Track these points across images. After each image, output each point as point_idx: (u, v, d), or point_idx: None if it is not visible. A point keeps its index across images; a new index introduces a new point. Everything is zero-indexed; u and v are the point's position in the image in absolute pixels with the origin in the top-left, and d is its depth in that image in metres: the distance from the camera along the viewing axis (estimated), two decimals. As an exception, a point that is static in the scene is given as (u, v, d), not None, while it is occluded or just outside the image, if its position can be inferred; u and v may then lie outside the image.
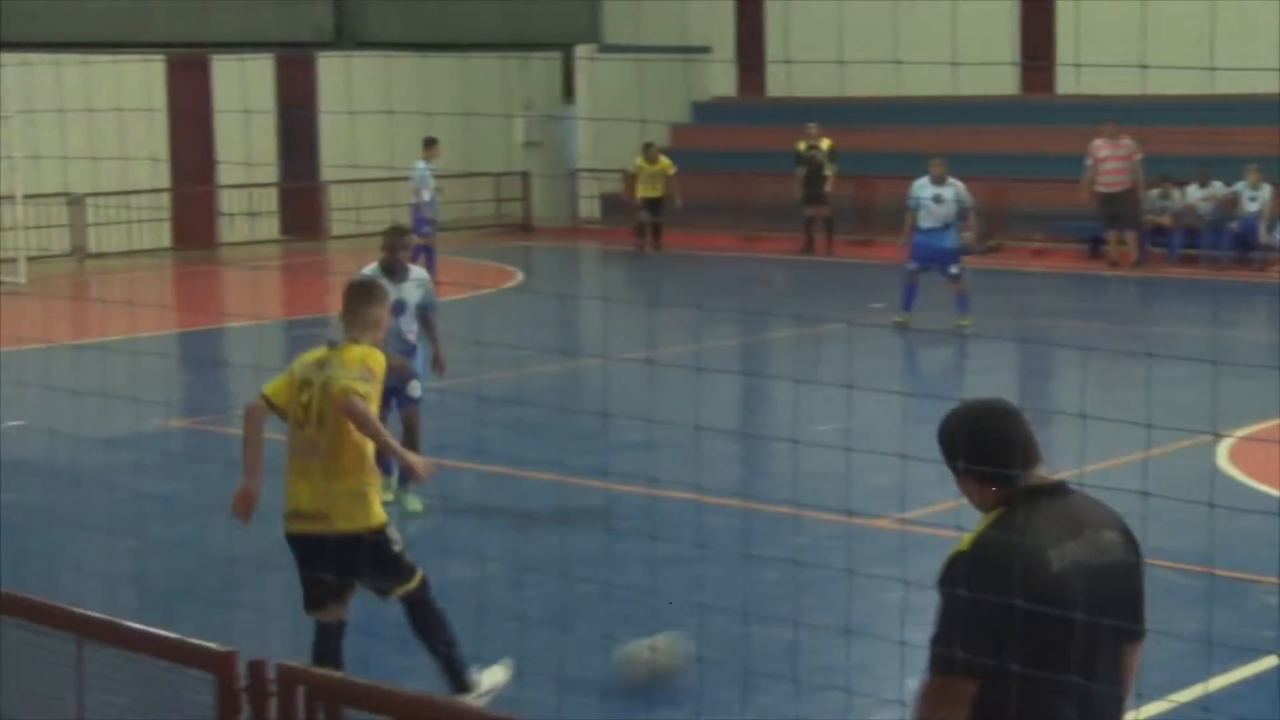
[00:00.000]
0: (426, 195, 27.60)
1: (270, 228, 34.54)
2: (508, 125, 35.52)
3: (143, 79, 29.95)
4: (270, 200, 34.65)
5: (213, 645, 5.81)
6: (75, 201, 31.23)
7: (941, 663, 5.09)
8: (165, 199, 33.24)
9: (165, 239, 33.14)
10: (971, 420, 5.35)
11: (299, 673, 5.63)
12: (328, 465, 8.55)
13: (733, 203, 33.41)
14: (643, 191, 32.98)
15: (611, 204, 36.75)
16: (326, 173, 34.28)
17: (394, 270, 12.51)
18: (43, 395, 18.26)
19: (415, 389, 12.55)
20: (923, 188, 22.16)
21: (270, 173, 34.15)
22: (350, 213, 33.86)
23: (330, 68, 34.26)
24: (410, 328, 12.55)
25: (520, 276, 29.02)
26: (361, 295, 9.09)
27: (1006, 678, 4.98)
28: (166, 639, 6.00)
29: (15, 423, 16.87)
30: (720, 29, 38.23)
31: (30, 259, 29.18)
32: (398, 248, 12.70)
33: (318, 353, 8.88)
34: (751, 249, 32.31)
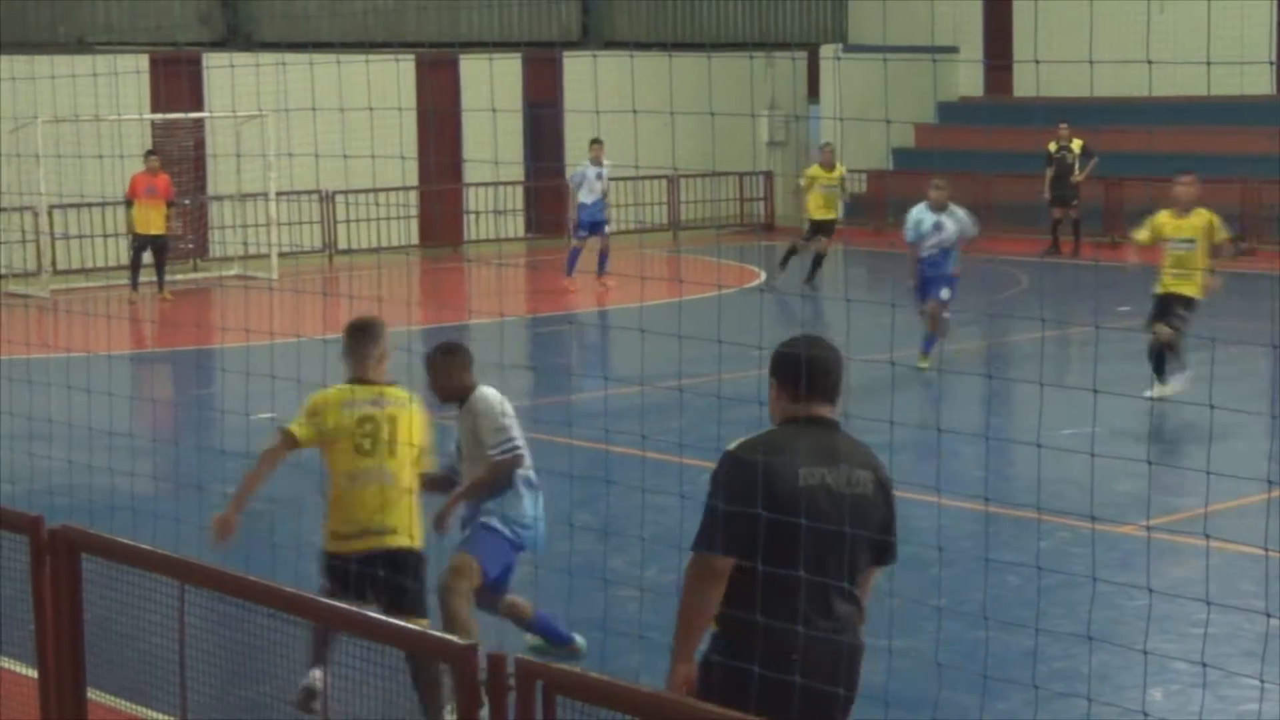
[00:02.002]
0: (586, 197, 27.49)
1: (515, 225, 34.88)
2: (752, 125, 35.51)
3: (393, 78, 30.40)
4: (516, 198, 34.99)
5: (454, 639, 5.88)
6: (326, 198, 31.81)
7: (699, 541, 6.06)
8: (413, 196, 33.72)
9: (412, 236, 33.62)
10: (790, 344, 6.38)
11: (537, 668, 5.67)
12: (390, 490, 8.97)
13: (977, 203, 33.04)
14: (817, 212, 27.75)
15: (854, 204, 36.59)
16: (572, 171, 34.51)
17: None
18: (292, 389, 18.61)
19: None
20: (921, 216, 20.17)
21: (516, 171, 34.48)
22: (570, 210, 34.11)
23: (577, 66, 34.50)
24: None
25: (762, 276, 28.98)
26: (366, 334, 9.49)
27: (748, 562, 5.94)
28: (410, 631, 6.09)
29: (265, 415, 17.21)
30: (968, 28, 37.89)
31: (282, 255, 29.77)
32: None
33: (357, 390, 9.30)
34: (994, 250, 31.95)
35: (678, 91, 26.28)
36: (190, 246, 30.26)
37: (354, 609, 6.44)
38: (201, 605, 6.79)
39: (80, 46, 28.40)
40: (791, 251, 27.59)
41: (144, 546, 7.13)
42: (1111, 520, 11.75)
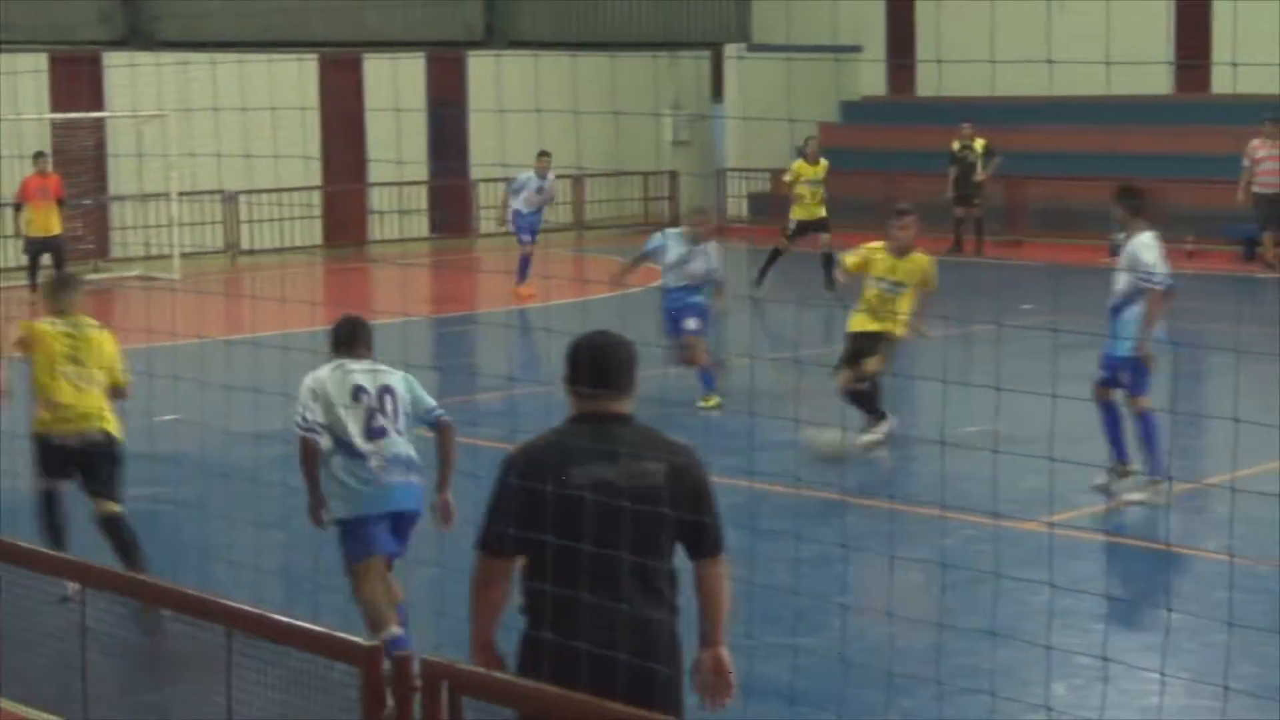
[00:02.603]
0: (523, 206, 27.28)
1: (420, 225, 34.78)
2: (656, 124, 35.52)
3: (297, 78, 30.25)
4: (420, 198, 34.89)
5: (358, 639, 5.86)
6: (229, 199, 31.61)
7: (478, 540, 6.31)
8: (317, 196, 33.57)
9: (317, 236, 33.47)
10: (579, 341, 6.40)
11: (442, 667, 5.66)
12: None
13: (881, 203, 33.20)
14: (801, 212, 27.23)
15: (759, 203, 36.70)
16: (476, 171, 34.45)
17: None
18: (195, 390, 18.49)
19: None
20: (666, 243, 18.12)
21: (420, 170, 34.39)
22: (499, 211, 34.06)
23: (481, 66, 34.44)
24: None
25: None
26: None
27: (522, 559, 6.24)
28: (313, 632, 6.06)
29: (169, 417, 17.09)
30: (870, 27, 38.07)
31: (184, 255, 29.56)
32: None
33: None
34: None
35: (582, 91, 26.34)
36: (91, 247, 29.99)
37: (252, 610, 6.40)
38: (102, 608, 6.74)
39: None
40: (774, 256, 26.86)
41: (39, 549, 7.08)
42: (1015, 517, 11.82)
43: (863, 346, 15.51)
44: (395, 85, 32.62)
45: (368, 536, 9.52)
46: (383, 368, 10.06)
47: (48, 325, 11.43)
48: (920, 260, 15.85)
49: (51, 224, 26.82)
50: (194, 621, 6.43)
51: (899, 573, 10.54)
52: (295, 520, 10.26)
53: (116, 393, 11.65)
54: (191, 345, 20.04)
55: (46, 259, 26.67)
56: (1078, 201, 31.14)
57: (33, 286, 26.36)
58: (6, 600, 7.23)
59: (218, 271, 30.81)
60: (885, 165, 34.06)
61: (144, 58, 28.74)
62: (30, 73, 27.93)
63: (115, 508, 11.26)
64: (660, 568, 6.27)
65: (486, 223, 34.27)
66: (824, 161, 27.64)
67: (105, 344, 11.60)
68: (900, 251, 15.84)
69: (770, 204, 35.96)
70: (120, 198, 31.16)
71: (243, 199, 31.52)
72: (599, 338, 6.44)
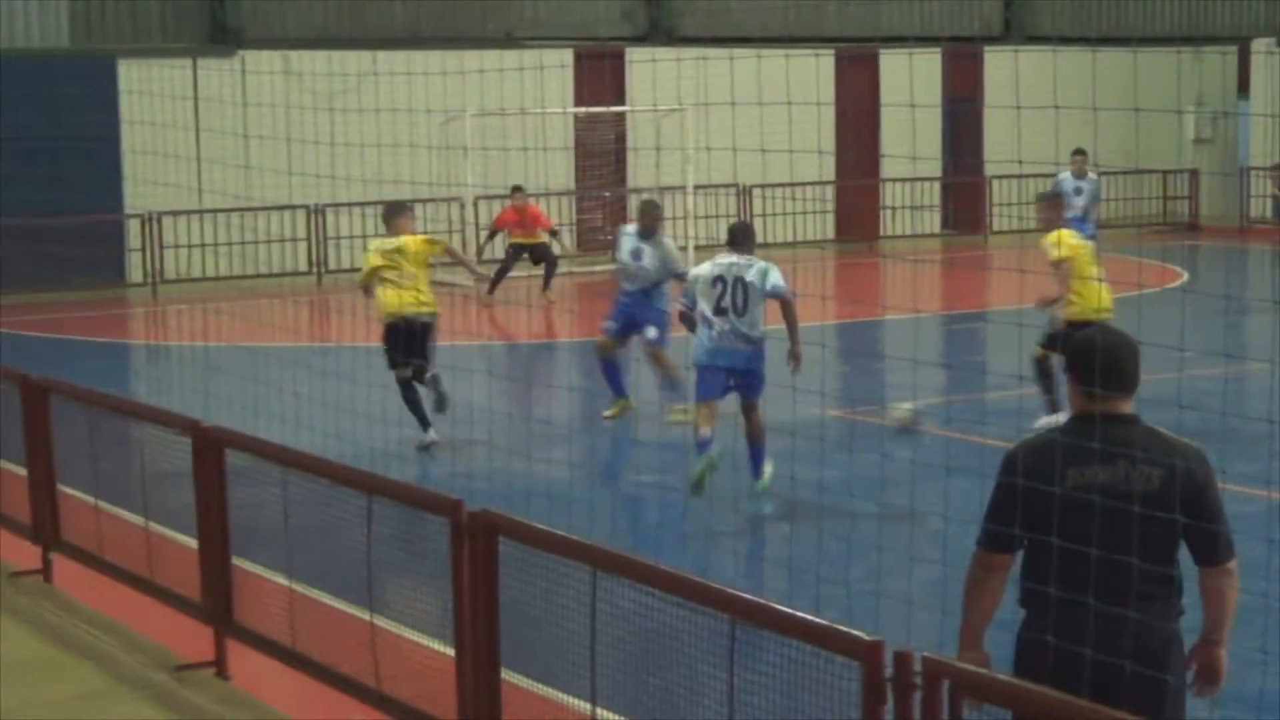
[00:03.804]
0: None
1: (932, 222, 34.68)
2: (1178, 121, 34.68)
3: (813, 73, 30.46)
4: (933, 194, 34.79)
5: (860, 634, 5.87)
6: (743, 193, 32.05)
7: (978, 537, 6.35)
8: (830, 191, 33.77)
9: (829, 230, 33.68)
10: (1086, 339, 6.30)
11: (944, 666, 5.63)
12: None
13: None
14: None
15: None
16: (991, 168, 34.17)
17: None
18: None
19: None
20: (624, 240, 17.10)
21: (934, 167, 34.28)
22: (1013, 208, 33.71)
23: (997, 62, 34.14)
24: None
25: (1185, 276, 28.30)
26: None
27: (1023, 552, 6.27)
28: (815, 624, 6.10)
29: (679, 408, 17.40)
30: None
31: (698, 248, 30.09)
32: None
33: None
34: None
35: (1101, 87, 25.87)
36: (609, 238, 30.77)
37: (759, 600, 6.47)
38: (612, 592, 6.90)
39: (508, 41, 29.15)
40: None
41: (559, 533, 7.28)
42: None
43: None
44: (911, 81, 32.59)
45: (703, 381, 13.49)
46: (744, 262, 13.49)
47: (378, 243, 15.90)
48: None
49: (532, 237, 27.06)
50: (698, 609, 6.54)
51: None
52: (799, 513, 10.34)
53: (450, 255, 16.88)
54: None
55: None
56: None
57: (546, 285, 26.94)
58: (519, 580, 7.47)
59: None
60: None
61: (664, 53, 29.34)
62: (556, 68, 28.82)
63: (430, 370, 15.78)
64: (1160, 572, 6.12)
65: (1000, 220, 34.01)
66: None
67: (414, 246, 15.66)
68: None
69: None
70: (638, 190, 31.89)
71: (757, 193, 31.91)
72: (1109, 336, 6.33)
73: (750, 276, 13.31)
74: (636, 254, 16.85)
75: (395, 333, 15.67)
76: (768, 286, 13.31)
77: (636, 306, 16.87)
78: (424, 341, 15.76)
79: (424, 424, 15.68)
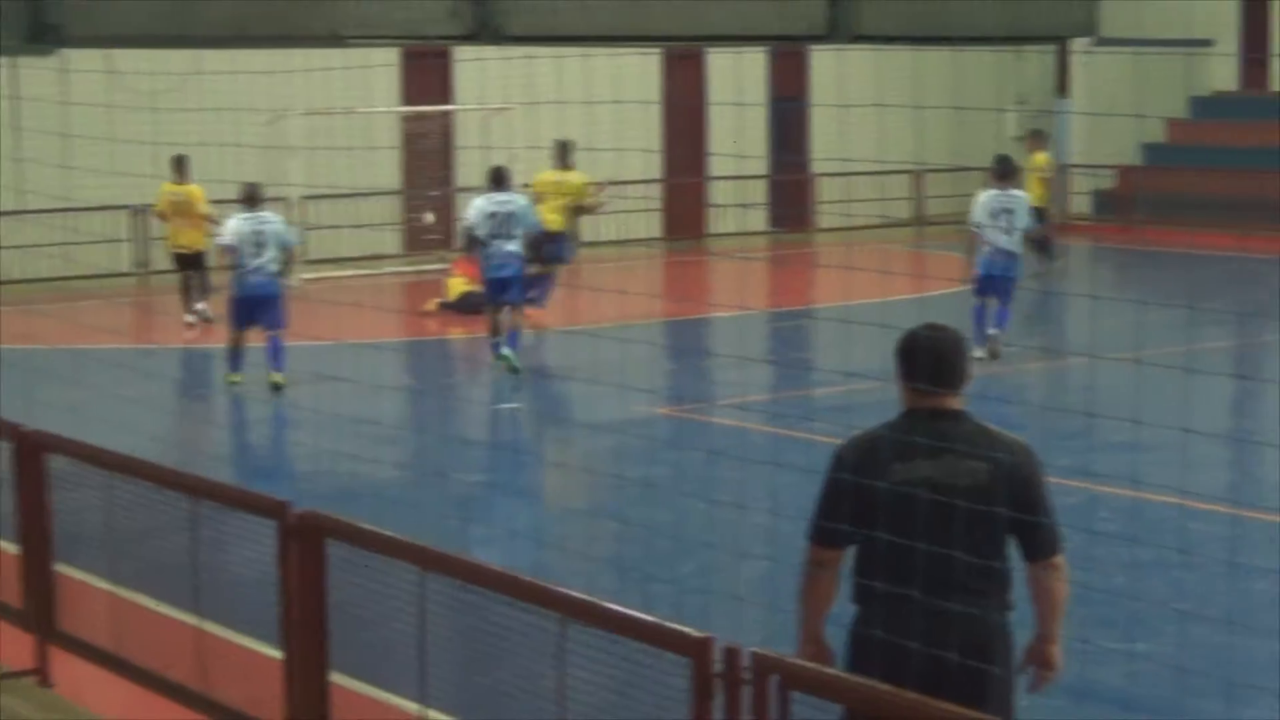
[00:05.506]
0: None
1: (759, 220, 34.87)
2: (999, 120, 35.09)
3: (640, 72, 30.55)
4: (760, 192, 34.98)
5: (689, 630, 5.89)
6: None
7: (808, 531, 6.38)
8: (657, 190, 33.85)
9: (656, 229, 33.75)
10: (913, 335, 6.31)
11: (772, 661, 5.66)
12: None
13: (1232, 200, 32.46)
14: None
15: (1104, 200, 36.08)
16: (817, 166, 34.41)
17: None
18: (534, 380, 18.81)
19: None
20: (481, 205, 19.00)
21: (760, 165, 34.47)
22: (839, 206, 33.98)
23: (823, 61, 34.41)
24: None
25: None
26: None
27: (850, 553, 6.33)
28: (645, 622, 6.11)
29: (509, 405, 17.40)
30: (1223, 21, 37.13)
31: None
32: None
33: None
34: (1247, 247, 31.30)
35: (924, 87, 26.14)
36: (438, 237, 30.64)
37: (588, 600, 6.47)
38: (441, 592, 6.88)
39: (334, 40, 28.92)
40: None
41: (386, 533, 7.24)
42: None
43: None
44: (737, 80, 32.75)
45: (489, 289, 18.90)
46: (509, 199, 18.91)
47: None
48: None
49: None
50: (527, 607, 6.53)
51: (1241, 580, 10.31)
52: (629, 510, 10.37)
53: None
54: (529, 336, 20.40)
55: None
56: None
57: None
58: (347, 582, 7.42)
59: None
60: (1237, 162, 33.21)
61: (491, 52, 29.23)
62: (383, 67, 28.67)
63: None
64: (988, 566, 6.17)
65: (826, 218, 34.27)
66: (1041, 156, 27.74)
67: None
68: None
69: (1116, 201, 35.36)
70: (466, 190, 31.78)
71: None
72: (934, 332, 6.35)
73: (516, 210, 18.77)
74: (494, 215, 18.99)
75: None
76: (530, 219, 18.96)
77: (500, 268, 18.99)
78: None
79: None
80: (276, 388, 17.21)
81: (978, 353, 19.04)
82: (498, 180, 19.08)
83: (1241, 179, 32.45)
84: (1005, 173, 19.32)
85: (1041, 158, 27.66)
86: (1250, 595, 10.49)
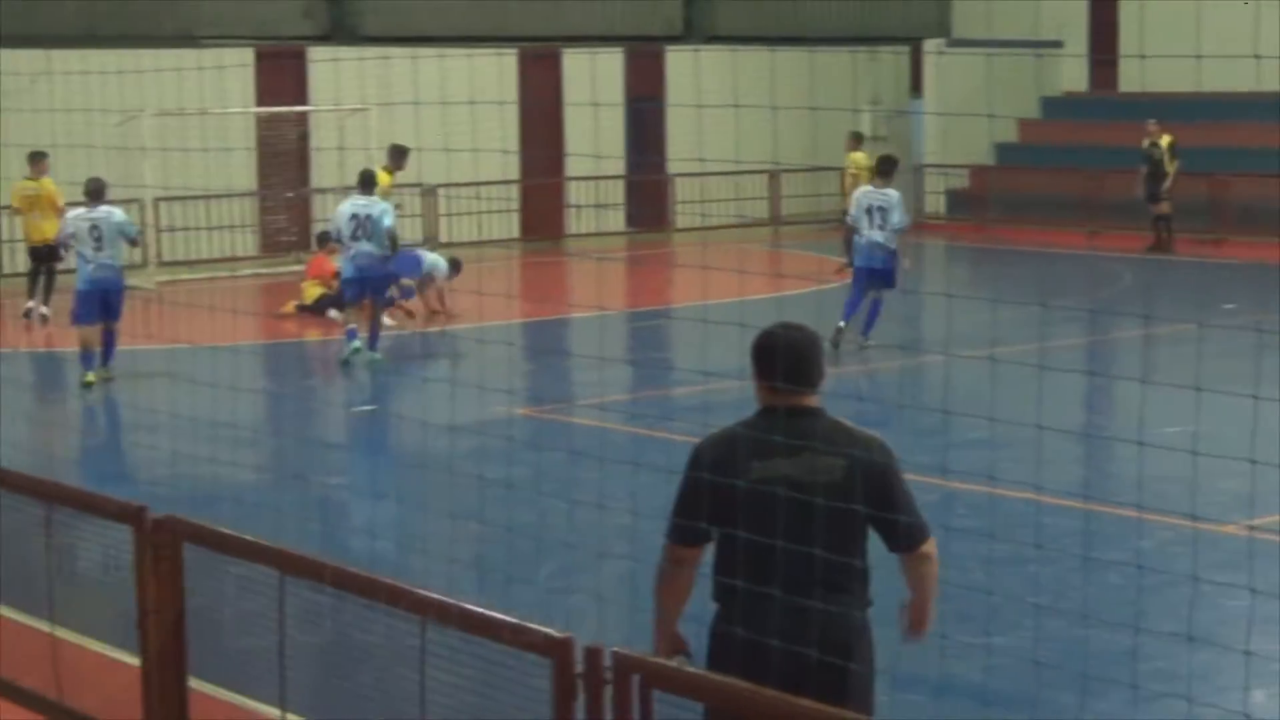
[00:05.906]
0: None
1: (617, 220, 34.92)
2: (854, 120, 35.34)
3: (496, 73, 30.49)
4: (617, 193, 35.02)
5: (550, 630, 5.90)
6: (428, 192, 31.93)
7: (666, 530, 6.38)
8: (515, 190, 33.81)
9: (514, 230, 33.71)
10: (768, 334, 6.33)
11: (634, 660, 5.68)
12: None
13: (1082, 199, 32.91)
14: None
15: (957, 199, 36.45)
16: (673, 166, 34.50)
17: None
18: (392, 381, 18.74)
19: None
20: (344, 208, 19.92)
21: (618, 165, 34.51)
22: (696, 206, 34.10)
23: (679, 62, 34.50)
24: None
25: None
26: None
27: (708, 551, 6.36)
28: (505, 622, 6.11)
29: (365, 407, 17.33)
30: (1073, 23, 37.62)
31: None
32: None
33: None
34: (1097, 246, 31.74)
35: (780, 87, 26.27)
36: (293, 239, 30.44)
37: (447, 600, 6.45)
38: (301, 595, 6.84)
39: (187, 40, 28.70)
40: None
41: (245, 537, 7.19)
42: (1214, 520, 11.64)
43: None
44: (594, 80, 32.77)
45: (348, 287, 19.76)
46: (369, 202, 19.40)
47: None
48: None
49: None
50: (388, 610, 6.51)
51: (1094, 574, 10.45)
52: (490, 511, 10.35)
53: None
54: (387, 338, 20.31)
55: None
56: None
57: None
58: (205, 586, 7.37)
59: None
60: (1087, 162, 33.65)
61: (347, 52, 29.13)
62: (237, 67, 28.43)
63: None
64: (846, 563, 6.21)
65: (684, 218, 34.36)
66: (858, 155, 28.43)
67: None
68: None
69: (969, 200, 35.72)
70: (322, 190, 31.60)
71: (441, 192, 31.83)
72: (792, 331, 6.37)
73: (374, 213, 19.24)
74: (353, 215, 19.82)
75: None
76: (386, 222, 19.28)
77: (374, 270, 19.84)
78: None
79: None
80: (89, 386, 17.31)
81: (869, 341, 19.52)
82: (364, 184, 19.81)
83: (1092, 178, 32.89)
84: (885, 171, 20.52)
85: (858, 156, 28.12)
86: (1104, 589, 10.64)
